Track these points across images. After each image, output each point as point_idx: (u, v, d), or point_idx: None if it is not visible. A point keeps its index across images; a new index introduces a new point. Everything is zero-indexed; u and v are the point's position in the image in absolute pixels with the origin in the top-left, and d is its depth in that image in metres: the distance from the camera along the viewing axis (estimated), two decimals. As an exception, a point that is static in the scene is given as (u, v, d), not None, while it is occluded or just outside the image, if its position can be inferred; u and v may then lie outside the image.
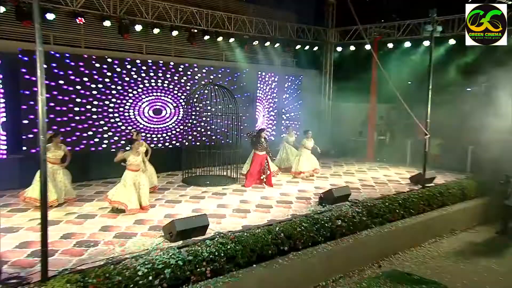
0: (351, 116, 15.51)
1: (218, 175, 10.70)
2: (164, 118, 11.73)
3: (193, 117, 11.57)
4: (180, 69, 11.87)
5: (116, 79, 10.68)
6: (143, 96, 11.22)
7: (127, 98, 10.90)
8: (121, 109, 10.84)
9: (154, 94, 11.43)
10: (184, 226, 6.33)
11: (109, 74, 10.51)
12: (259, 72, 13.77)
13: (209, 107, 11.20)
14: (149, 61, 11.31)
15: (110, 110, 10.65)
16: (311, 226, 7.09)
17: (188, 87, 11.98)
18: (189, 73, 12.04)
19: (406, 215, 8.82)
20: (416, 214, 9.06)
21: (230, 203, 8.57)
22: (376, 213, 8.23)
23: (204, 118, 11.83)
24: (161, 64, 11.48)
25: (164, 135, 11.74)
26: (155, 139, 11.57)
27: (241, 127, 10.85)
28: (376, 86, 14.20)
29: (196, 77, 12.10)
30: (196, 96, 10.94)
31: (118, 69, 10.70)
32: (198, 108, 11.61)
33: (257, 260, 6.18)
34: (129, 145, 8.31)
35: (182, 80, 11.93)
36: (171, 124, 11.86)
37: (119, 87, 10.74)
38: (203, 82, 11.54)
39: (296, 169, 11.14)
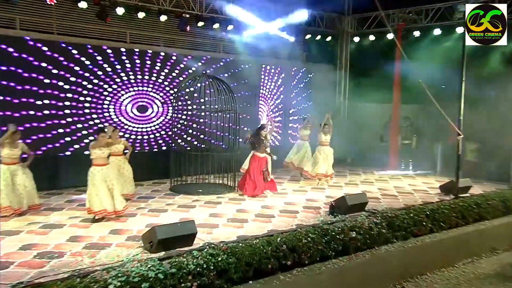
0: (370, 118, 15.45)
1: (212, 183, 10.75)
2: (150, 117, 11.77)
3: (183, 116, 11.54)
4: (170, 62, 11.98)
5: (94, 70, 10.73)
6: (126, 91, 11.26)
7: (105, 93, 10.94)
8: (99, 106, 10.86)
9: (139, 88, 11.47)
10: (167, 234, 6.27)
11: (84, 64, 10.57)
12: (263, 66, 13.84)
13: (203, 104, 11.20)
14: (136, 50, 11.39)
15: (87, 104, 10.68)
16: (320, 237, 7.00)
17: (177, 80, 12.05)
18: (182, 66, 12.13)
19: (435, 229, 8.69)
20: (447, 228, 8.92)
21: (224, 212, 8.64)
22: (398, 226, 8.13)
23: (195, 117, 11.88)
24: (149, 55, 11.58)
25: (151, 136, 11.80)
26: (139, 141, 11.60)
27: (240, 127, 10.89)
28: (400, 82, 14.18)
29: (189, 71, 12.20)
30: (187, 90, 10.93)
31: (96, 59, 10.75)
32: (188, 104, 11.68)
33: (254, 275, 6.07)
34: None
35: (173, 74, 12.01)
36: (158, 124, 11.90)
37: (96, 80, 10.77)
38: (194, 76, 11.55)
39: (313, 171, 11.35)
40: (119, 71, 11.14)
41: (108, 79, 10.99)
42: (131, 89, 11.38)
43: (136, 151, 11.41)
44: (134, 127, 11.52)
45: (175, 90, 11.50)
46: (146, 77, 11.62)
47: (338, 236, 7.18)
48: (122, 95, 11.24)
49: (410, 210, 8.70)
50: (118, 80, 11.16)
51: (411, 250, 7.87)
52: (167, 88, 11.97)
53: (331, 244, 7.04)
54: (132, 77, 11.36)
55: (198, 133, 12.18)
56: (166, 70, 11.93)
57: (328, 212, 8.45)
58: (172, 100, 11.59)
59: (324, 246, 6.97)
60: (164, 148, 11.90)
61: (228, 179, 10.54)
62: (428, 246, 8.20)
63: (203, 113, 11.58)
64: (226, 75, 12.42)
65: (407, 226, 8.26)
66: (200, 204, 9.22)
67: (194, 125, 12.25)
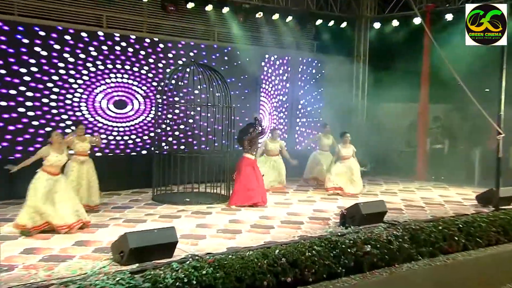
0: (393, 120, 15.52)
1: (203, 192, 10.78)
2: (130, 115, 11.81)
3: (168, 113, 11.52)
4: (156, 50, 12.06)
5: (62, 57, 10.74)
6: (101, 83, 11.30)
7: (75, 85, 10.95)
8: (67, 101, 10.87)
9: (116, 80, 11.52)
10: (141, 243, 6.21)
11: (47, 51, 10.56)
12: (266, 56, 13.89)
13: (192, 99, 11.21)
14: (116, 34, 11.47)
15: (53, 97, 10.68)
16: (327, 251, 6.95)
17: (161, 71, 12.10)
18: (169, 55, 12.22)
19: (470, 246, 8.60)
20: (485, 244, 8.84)
21: (214, 222, 8.72)
22: (424, 240, 8.09)
23: (183, 114, 11.85)
24: (132, 41, 11.67)
25: (132, 137, 11.82)
26: (114, 143, 11.58)
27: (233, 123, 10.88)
28: (429, 77, 14.17)
29: (178, 61, 12.25)
30: (173, 82, 10.94)
31: (63, 45, 10.75)
32: (174, 100, 11.68)
33: (246, 293, 6.07)
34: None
35: (159, 65, 12.10)
36: (139, 123, 11.91)
37: (62, 71, 10.76)
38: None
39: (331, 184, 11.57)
40: (91, 59, 11.14)
41: (80, 68, 11.00)
42: (107, 80, 11.40)
43: (110, 154, 11.39)
44: (110, 125, 11.51)
45: (159, 82, 11.44)
46: (127, 67, 11.64)
47: (349, 250, 7.12)
48: (96, 87, 11.25)
49: (439, 222, 8.65)
50: (93, 69, 11.18)
51: (440, 269, 7.79)
52: (151, 80, 12.00)
53: (340, 259, 6.97)
54: (110, 66, 11.39)
55: (187, 132, 12.15)
56: (151, 60, 11.98)
57: (338, 223, 8.44)
58: (155, 95, 11.57)
59: (333, 261, 6.90)
60: (144, 152, 11.91)
61: (221, 187, 10.64)
62: (460, 265, 8.11)
63: (192, 111, 11.55)
64: (223, 68, 12.44)
65: (435, 240, 8.20)
66: (186, 214, 9.28)
67: (182, 126, 12.25)
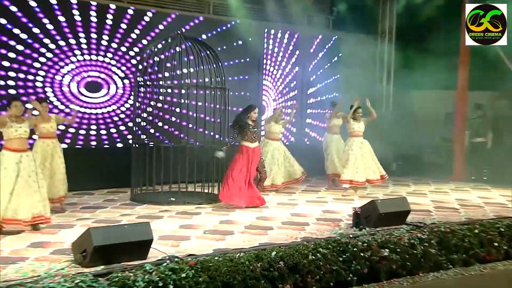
0: (426, 110, 15.51)
1: (193, 192, 10.87)
2: (105, 100, 11.80)
3: (151, 97, 11.49)
4: (139, 23, 12.05)
5: (22, 27, 10.68)
6: (68, 62, 11.29)
7: (37, 64, 10.93)
8: (28, 83, 10.87)
9: (90, 58, 11.54)
10: (108, 240, 6.16)
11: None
12: (272, 33, 13.93)
13: (178, 79, 11.18)
14: (93, 3, 11.46)
15: (11, 79, 10.67)
16: (335, 255, 7.03)
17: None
18: (156, 30, 12.21)
19: (513, 254, 8.72)
20: (532, 253, 8.89)
21: (202, 223, 8.80)
22: (455, 245, 8.18)
23: (168, 97, 11.83)
24: (112, 11, 11.69)
25: (109, 126, 11.79)
26: (84, 133, 11.52)
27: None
28: (469, 58, 14.19)
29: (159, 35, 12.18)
30: (156, 59, 10.95)
31: (24, 11, 10.66)
32: (158, 80, 11.66)
33: (236, 302, 6.11)
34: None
35: (144, 42, 12.07)
36: (116, 110, 11.91)
37: (20, 46, 10.71)
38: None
39: (348, 176, 11.50)
40: (57, 31, 11.08)
41: (47, 42, 10.96)
42: (79, 57, 11.40)
43: (80, 147, 11.41)
44: (81, 113, 11.49)
45: (141, 61, 11.38)
46: (104, 43, 11.65)
47: (362, 254, 7.17)
48: (63, 67, 11.24)
49: (475, 225, 8.71)
50: (62, 43, 11.15)
51: (475, 280, 7.84)
52: (132, 59, 12.00)
53: (351, 265, 7.03)
54: (83, 40, 11.38)
55: (172, 120, 12.11)
56: (134, 35, 11.98)
57: (351, 225, 8.48)
58: (134, 74, 11.52)
59: (342, 267, 6.95)
60: (121, 145, 11.90)
61: (213, 186, 10.75)
62: (501, 276, 8.16)
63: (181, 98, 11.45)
64: (220, 49, 12.35)
65: (470, 246, 8.28)
66: (170, 215, 9.39)
67: (168, 117, 12.23)
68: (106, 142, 11.82)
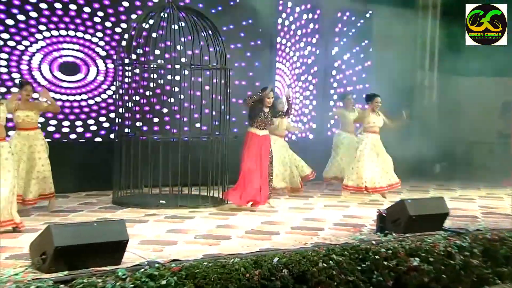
0: (479, 100, 15.51)
1: (188, 194, 11.02)
2: (83, 84, 11.80)
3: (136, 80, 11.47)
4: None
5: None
6: (37, 38, 11.28)
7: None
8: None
9: (66, 34, 11.55)
10: (72, 240, 6.16)
11: None
12: (289, 6, 14.01)
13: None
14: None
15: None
16: (353, 263, 7.09)
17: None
18: (150, 3, 12.28)
19: None
20: None
21: (194, 228, 8.92)
22: (505, 256, 8.26)
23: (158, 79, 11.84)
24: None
25: (90, 115, 11.80)
26: (56, 123, 11.48)
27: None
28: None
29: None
30: (144, 34, 10.95)
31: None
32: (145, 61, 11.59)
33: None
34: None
35: (133, 17, 11.89)
36: (96, 95, 11.93)
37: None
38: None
39: (356, 182, 11.64)
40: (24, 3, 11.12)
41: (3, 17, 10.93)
42: (54, 32, 11.38)
43: (49, 139, 11.21)
44: (55, 99, 11.25)
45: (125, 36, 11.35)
46: (85, 16, 11.62)
47: (386, 263, 7.22)
48: (31, 44, 11.22)
49: None
50: (34, 15, 11.12)
51: None
52: (117, 36, 11.94)
53: (372, 276, 7.10)
54: (59, 13, 11.33)
55: (164, 107, 12.03)
56: (121, 8, 11.99)
57: (375, 230, 8.58)
58: (117, 53, 11.44)
59: (360, 278, 7.01)
60: (97, 139, 11.88)
61: (212, 187, 10.74)
62: None
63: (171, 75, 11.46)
64: (225, 28, 12.53)
65: None
66: (156, 218, 9.53)
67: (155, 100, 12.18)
68: (89, 135, 11.82)
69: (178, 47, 10.83)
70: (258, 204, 10.27)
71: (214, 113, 11.00)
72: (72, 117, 11.63)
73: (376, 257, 7.16)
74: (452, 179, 14.56)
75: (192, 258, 6.81)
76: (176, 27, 10.64)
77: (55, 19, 11.40)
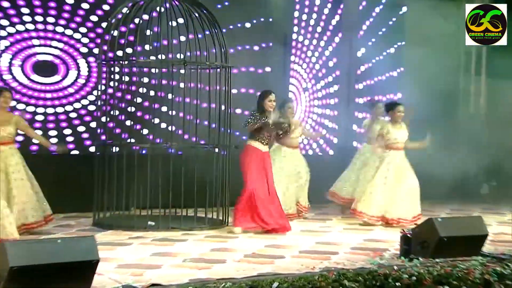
0: None
1: (181, 216, 11.10)
2: (60, 87, 11.94)
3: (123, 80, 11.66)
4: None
5: None
6: (5, 35, 11.45)
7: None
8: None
9: (42, 28, 11.70)
10: (31, 260, 6.16)
11: None
12: None
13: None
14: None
15: None
16: None
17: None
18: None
19: None
20: None
21: (184, 251, 8.98)
22: None
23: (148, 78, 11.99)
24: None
25: (69, 123, 11.95)
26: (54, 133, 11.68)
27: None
28: None
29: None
30: (131, 26, 11.05)
31: None
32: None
33: None
34: None
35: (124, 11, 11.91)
36: (77, 100, 12.07)
37: None
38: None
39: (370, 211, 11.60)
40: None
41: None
42: (28, 26, 11.57)
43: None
44: (27, 104, 11.65)
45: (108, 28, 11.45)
46: (66, 9, 11.80)
47: None
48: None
49: None
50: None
51: None
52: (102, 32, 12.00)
53: None
54: (36, 3, 11.54)
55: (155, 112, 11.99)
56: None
57: (399, 254, 8.60)
58: (99, 47, 11.51)
59: None
60: (75, 152, 11.98)
61: (209, 207, 10.84)
62: None
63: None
64: (232, 27, 12.82)
65: None
66: (141, 242, 9.61)
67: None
68: (71, 146, 11.94)
69: (170, 41, 10.86)
70: (285, 229, 10.36)
71: (214, 125, 11.05)
72: (50, 125, 11.77)
73: (397, 284, 7.15)
74: (502, 201, 14.44)
75: (176, 282, 6.87)
76: (171, 22, 10.73)
77: (26, 10, 11.57)
